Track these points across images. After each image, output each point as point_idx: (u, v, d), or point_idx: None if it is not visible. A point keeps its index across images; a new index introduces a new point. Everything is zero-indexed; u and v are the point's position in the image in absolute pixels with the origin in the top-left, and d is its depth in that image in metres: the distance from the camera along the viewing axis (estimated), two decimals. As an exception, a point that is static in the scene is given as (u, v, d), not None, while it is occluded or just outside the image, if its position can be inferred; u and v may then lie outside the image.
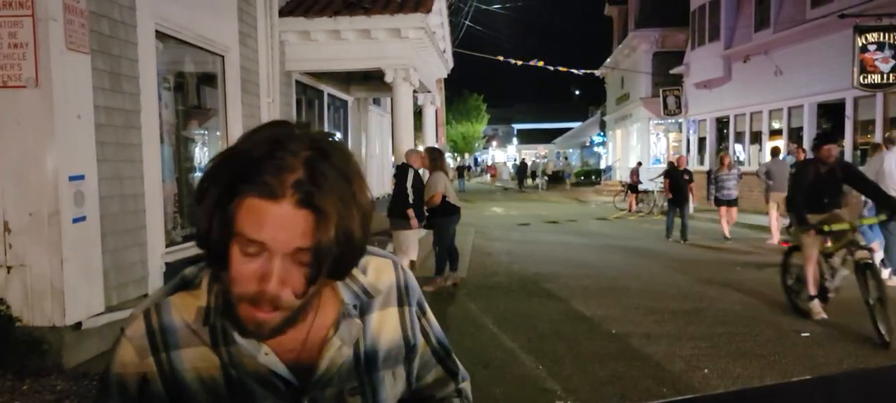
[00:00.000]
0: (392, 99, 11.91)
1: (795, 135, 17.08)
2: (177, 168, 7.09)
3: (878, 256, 9.05)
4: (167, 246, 6.37)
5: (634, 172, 21.43)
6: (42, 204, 4.83)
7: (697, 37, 22.15)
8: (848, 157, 15.12)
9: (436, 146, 11.44)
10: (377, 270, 1.16)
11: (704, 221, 15.93)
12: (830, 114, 16.34)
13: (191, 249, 6.79)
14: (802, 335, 5.94)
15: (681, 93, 24.89)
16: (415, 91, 10.89)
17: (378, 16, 9.28)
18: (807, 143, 15.27)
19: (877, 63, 13.64)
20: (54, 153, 4.81)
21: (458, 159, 52.33)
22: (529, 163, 46.44)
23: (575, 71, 27.32)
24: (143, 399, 1.03)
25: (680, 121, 25.90)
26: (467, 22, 21.82)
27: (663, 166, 21.64)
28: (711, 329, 6.17)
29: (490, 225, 16.70)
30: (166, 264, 6.21)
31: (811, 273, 6.45)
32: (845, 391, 1.12)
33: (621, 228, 15.99)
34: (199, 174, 7.85)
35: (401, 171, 8.16)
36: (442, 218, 8.20)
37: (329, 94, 12.09)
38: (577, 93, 67.35)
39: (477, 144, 57.70)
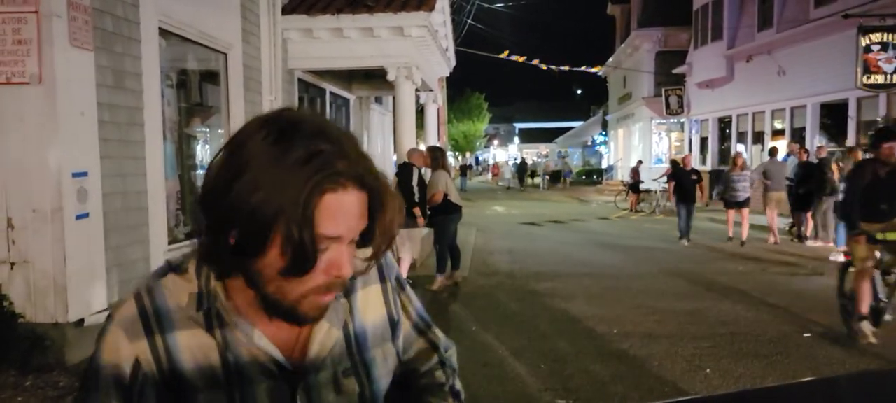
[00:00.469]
0: (394, 97, 11.92)
1: (798, 136, 17.06)
2: (179, 165, 7.10)
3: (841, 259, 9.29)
4: (170, 243, 6.37)
5: (635, 171, 21.41)
6: (45, 200, 4.84)
7: (700, 36, 22.14)
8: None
9: (437, 145, 11.43)
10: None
11: (705, 221, 15.92)
12: (833, 114, 16.33)
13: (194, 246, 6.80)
14: (805, 335, 5.93)
15: (683, 92, 24.89)
16: (417, 89, 10.88)
17: (381, 14, 9.28)
18: (809, 144, 15.29)
19: (880, 63, 13.62)
20: (58, 150, 4.82)
21: (460, 158, 52.32)
22: (529, 163, 46.44)
23: (579, 69, 27.28)
24: (137, 384, 1.01)
25: (682, 120, 25.90)
26: (469, 20, 21.80)
27: (665, 166, 21.66)
28: (713, 329, 6.17)
29: (491, 224, 16.70)
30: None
31: (863, 289, 5.58)
32: (847, 393, 1.12)
33: (623, 228, 15.98)
34: (201, 171, 7.85)
35: (404, 170, 8.16)
36: (443, 216, 8.20)
37: (331, 93, 12.10)
38: (579, 92, 67.45)
39: (478, 143, 57.68)
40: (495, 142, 68.45)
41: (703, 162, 22.85)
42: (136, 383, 1.01)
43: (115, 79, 5.52)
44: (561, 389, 4.62)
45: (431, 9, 9.48)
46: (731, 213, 12.15)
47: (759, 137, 19.47)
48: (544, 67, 23.33)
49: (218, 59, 7.80)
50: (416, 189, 7.93)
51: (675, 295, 7.68)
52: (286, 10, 9.28)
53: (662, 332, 6.08)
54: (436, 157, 8.42)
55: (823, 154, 11.44)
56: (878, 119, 14.35)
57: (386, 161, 16.32)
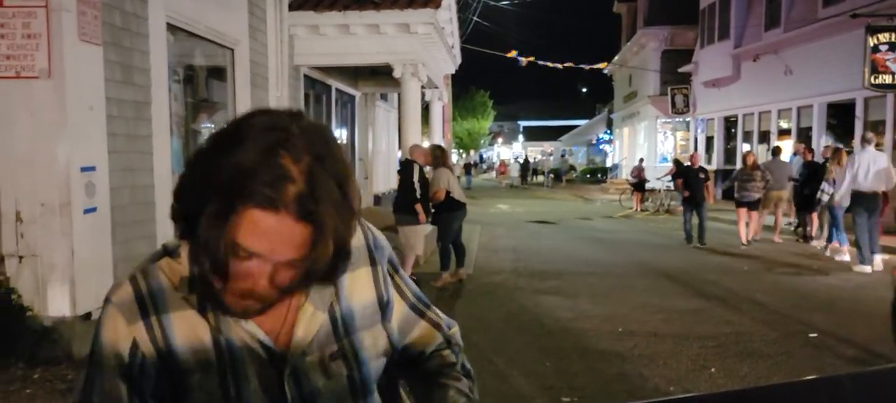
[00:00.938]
0: (399, 94, 11.93)
1: (804, 136, 17.01)
2: (185, 160, 7.12)
3: (846, 257, 9.78)
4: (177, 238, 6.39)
5: (638, 169, 21.35)
6: (54, 194, 4.86)
7: (707, 35, 22.07)
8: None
9: (440, 143, 11.45)
10: None
11: (712, 221, 15.90)
12: (840, 114, 16.27)
13: (199, 241, 6.82)
14: (810, 335, 5.93)
15: (689, 91, 24.83)
16: (423, 86, 10.89)
17: (387, 11, 9.29)
18: (816, 144, 15.25)
19: (888, 63, 13.56)
20: (66, 144, 4.84)
21: (464, 156, 52.31)
22: (532, 161, 46.46)
23: (584, 67, 27.26)
24: (136, 364, 1.03)
25: (688, 119, 25.84)
26: (475, 18, 21.79)
27: (670, 165, 21.62)
28: (718, 328, 6.17)
29: (496, 222, 16.70)
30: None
31: None
32: (851, 391, 1.12)
33: (627, 226, 15.97)
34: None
35: (406, 167, 8.18)
36: (446, 213, 8.21)
37: (337, 89, 12.12)
38: (585, 90, 67.28)
39: (482, 141, 57.67)
40: (499, 139, 68.40)
41: (709, 161, 22.79)
42: (134, 363, 1.04)
43: (123, 74, 5.54)
44: (566, 387, 4.62)
45: (438, 6, 9.49)
46: (743, 213, 11.65)
47: (765, 137, 19.41)
48: (550, 65, 23.32)
49: (225, 54, 7.81)
50: (417, 185, 7.94)
51: (679, 295, 7.68)
52: (293, 7, 9.30)
53: (667, 331, 6.08)
54: (436, 156, 8.42)
55: (829, 154, 11.46)
56: (886, 119, 14.32)
57: (390, 158, 16.35)
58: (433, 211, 8.25)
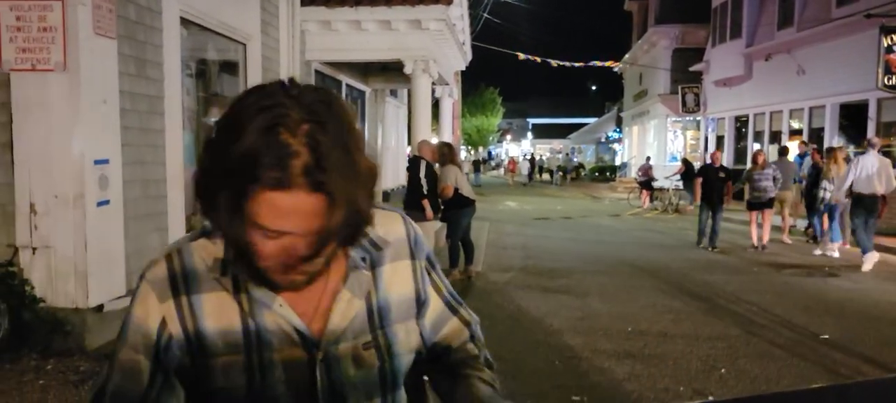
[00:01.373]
0: (409, 90, 11.93)
1: (816, 136, 16.91)
2: (198, 154, 7.15)
3: (836, 254, 10.19)
4: (187, 231, 6.43)
5: (646, 168, 21.26)
6: (67, 186, 4.89)
7: (718, 34, 21.96)
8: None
9: (447, 140, 11.44)
10: (385, 222, 1.16)
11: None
12: (853, 115, 16.15)
13: (210, 235, 6.84)
14: (821, 337, 5.90)
15: (700, 90, 24.72)
16: (433, 83, 10.88)
17: (399, 7, 9.28)
18: (828, 144, 15.15)
19: (902, 64, 13.45)
20: (80, 137, 4.87)
21: (473, 153, 52.26)
22: (538, 159, 46.43)
23: (594, 65, 27.17)
24: (162, 343, 1.04)
25: (698, 118, 25.72)
26: (486, 15, 21.75)
27: (679, 164, 21.54)
28: (728, 329, 6.14)
29: (504, 219, 16.69)
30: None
31: None
32: (857, 400, 1.12)
33: (636, 225, 15.93)
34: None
35: (413, 163, 8.20)
36: (455, 210, 8.21)
37: (347, 85, 12.13)
38: (594, 88, 67.00)
39: (491, 138, 57.59)
40: (508, 136, 68.31)
41: (719, 161, 22.68)
42: (161, 341, 1.04)
43: (136, 68, 5.57)
44: (575, 387, 4.62)
45: (450, 2, 9.48)
46: (754, 215, 11.29)
47: (776, 137, 19.30)
48: (554, 64, 23.25)
49: (237, 49, 7.84)
50: (424, 181, 7.94)
51: (689, 295, 7.65)
52: (305, 2, 9.30)
53: (677, 331, 6.06)
54: (444, 153, 8.42)
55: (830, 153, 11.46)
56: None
57: (400, 154, 16.35)
58: (442, 207, 8.25)
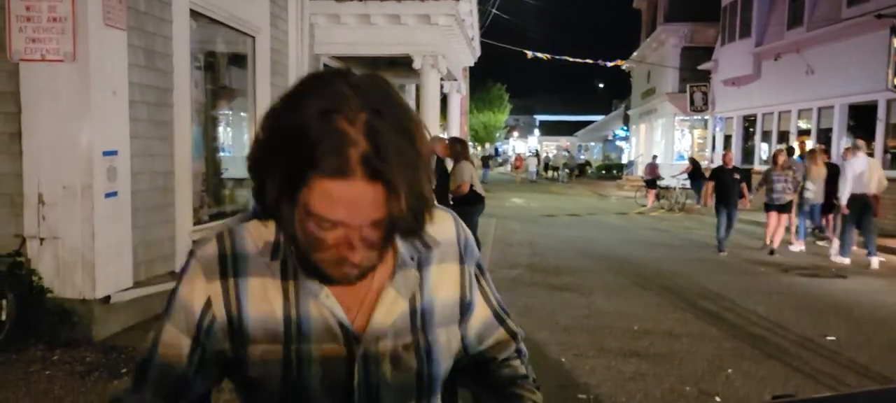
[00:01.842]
0: (418, 86, 11.90)
1: (824, 137, 16.81)
2: (205, 147, 7.15)
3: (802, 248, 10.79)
4: (195, 224, 6.43)
5: (652, 167, 21.15)
6: (76, 177, 4.90)
7: (728, 33, 21.83)
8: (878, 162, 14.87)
9: (459, 136, 11.42)
10: (437, 221, 1.11)
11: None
12: (861, 116, 16.05)
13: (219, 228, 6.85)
14: (828, 338, 5.87)
15: (708, 89, 24.60)
16: (442, 78, 10.86)
17: (408, 1, 9.27)
18: (836, 145, 15.07)
19: (912, 65, 13.35)
20: (89, 128, 4.87)
21: (481, 149, 52.20)
22: (542, 156, 46.40)
23: (602, 62, 27.10)
24: (204, 323, 1.04)
25: (706, 118, 25.61)
26: (494, 10, 21.69)
27: (686, 163, 21.47)
28: (734, 329, 6.12)
29: (511, 216, 16.67)
30: (194, 243, 6.25)
31: None
32: None
33: (642, 224, 15.89)
34: (226, 154, 7.91)
35: None
36: (467, 207, 8.19)
37: (355, 79, 12.11)
38: (601, 85, 66.80)
39: (498, 134, 57.51)
40: (515, 133, 68.21)
41: (726, 160, 22.58)
42: (203, 322, 1.04)
43: (146, 60, 5.57)
44: (582, 384, 4.61)
45: (459, -3, 9.45)
46: (773, 216, 10.81)
47: (784, 137, 19.18)
48: (569, 59, 23.19)
49: (246, 42, 7.83)
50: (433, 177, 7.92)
51: (695, 294, 7.62)
52: (314, -5, 9.30)
53: (683, 331, 6.04)
54: (457, 150, 8.40)
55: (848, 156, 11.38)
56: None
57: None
58: (452, 203, 8.24)
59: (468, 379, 1.25)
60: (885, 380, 4.91)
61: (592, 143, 56.95)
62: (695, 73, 25.43)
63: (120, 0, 5.06)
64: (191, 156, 6.35)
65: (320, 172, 0.86)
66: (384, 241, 0.96)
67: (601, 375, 4.82)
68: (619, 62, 30.46)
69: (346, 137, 0.85)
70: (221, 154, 7.76)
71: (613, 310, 6.76)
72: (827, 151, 12.50)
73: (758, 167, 19.29)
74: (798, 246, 11.18)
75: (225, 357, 1.06)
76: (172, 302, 1.06)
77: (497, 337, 1.25)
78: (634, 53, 33.49)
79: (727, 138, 23.12)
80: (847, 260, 9.82)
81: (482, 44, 16.64)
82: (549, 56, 22.33)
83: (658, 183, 20.60)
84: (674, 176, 20.61)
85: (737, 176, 11.13)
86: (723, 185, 11.04)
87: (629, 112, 39.82)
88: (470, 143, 39.72)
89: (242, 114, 8.13)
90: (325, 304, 1.03)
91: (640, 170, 31.66)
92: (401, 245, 1.07)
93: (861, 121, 16.03)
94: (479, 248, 8.34)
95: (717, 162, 14.93)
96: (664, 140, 29.82)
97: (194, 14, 6.41)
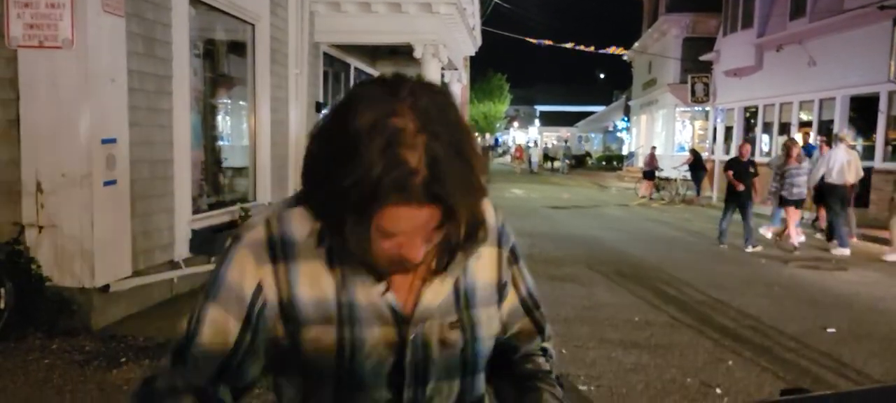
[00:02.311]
0: (418, 75, 11.83)
1: (825, 128, 16.77)
2: (204, 135, 7.12)
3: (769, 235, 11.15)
4: (194, 213, 6.41)
5: (650, 157, 21.06)
6: (74, 165, 4.87)
7: (729, 23, 21.75)
8: (879, 154, 14.85)
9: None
10: None
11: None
12: (863, 108, 16.01)
13: (217, 217, 6.84)
14: (828, 331, 5.86)
15: (710, 80, 24.52)
16: (442, 68, 10.81)
17: (409, -10, 9.20)
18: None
19: (915, 57, 13.30)
20: (88, 115, 4.84)
21: (481, 139, 52.15)
22: (541, 147, 46.34)
23: (604, 52, 27.02)
24: (256, 307, 1.05)
25: (707, 109, 25.55)
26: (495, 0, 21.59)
27: (686, 154, 21.43)
28: (735, 321, 6.11)
29: (511, 207, 16.66)
30: (193, 231, 6.25)
31: None
32: None
33: (642, 215, 15.88)
34: (224, 142, 7.88)
35: None
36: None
37: (355, 68, 12.06)
38: (602, 76, 66.68)
39: (498, 125, 57.43)
40: (516, 123, 68.10)
41: (727, 151, 22.56)
42: (255, 305, 1.05)
43: (145, 47, 5.53)
44: (584, 375, 4.60)
45: (460, -14, 9.39)
46: (792, 211, 10.40)
47: (785, 128, 19.15)
48: (570, 47, 23.10)
49: (245, 30, 7.78)
50: None
51: (696, 286, 7.61)
52: (314, -17, 9.23)
53: (684, 322, 6.04)
54: None
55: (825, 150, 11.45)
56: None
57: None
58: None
59: (489, 370, 1.25)
60: (884, 374, 4.90)
61: (593, 134, 56.89)
62: (696, 64, 25.35)
63: (118, -14, 5.01)
64: (190, 144, 6.31)
65: (387, 203, 0.90)
66: (444, 257, 1.07)
67: (602, 366, 4.81)
68: (620, 50, 30.32)
69: (408, 167, 0.89)
70: (220, 143, 7.73)
71: (615, 301, 6.75)
72: (828, 143, 12.44)
73: (759, 159, 19.26)
74: (799, 237, 11.10)
75: (277, 343, 1.07)
76: (218, 286, 1.06)
77: (522, 326, 1.27)
78: (636, 43, 33.40)
79: (728, 129, 23.08)
80: (847, 252, 9.91)
81: (483, 33, 16.59)
82: (550, 42, 22.24)
83: (657, 174, 20.55)
84: (675, 167, 20.58)
85: (752, 169, 10.78)
86: (738, 178, 10.68)
87: (630, 103, 39.77)
88: (470, 133, 39.77)
89: (242, 102, 8.08)
90: (375, 288, 1.06)
91: (640, 162, 31.65)
92: None
93: (863, 112, 16.00)
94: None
95: (712, 153, 14.90)
96: (665, 131, 29.78)
97: (194, 1, 6.36)
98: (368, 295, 1.06)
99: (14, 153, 4.92)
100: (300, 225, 1.06)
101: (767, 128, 20.43)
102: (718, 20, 23.56)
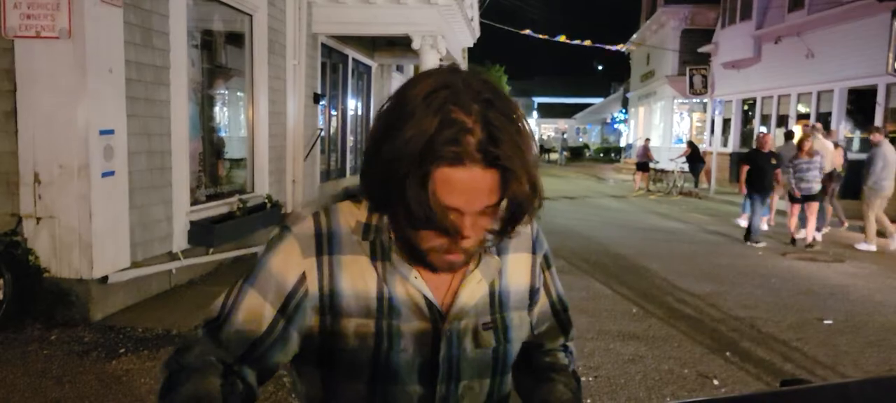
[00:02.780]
0: (416, 66, 11.82)
1: (823, 120, 16.76)
2: (202, 126, 7.10)
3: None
4: (192, 204, 6.40)
5: (645, 149, 21.02)
6: (72, 156, 4.86)
7: (728, 15, 21.73)
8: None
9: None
10: None
11: (722, 204, 15.80)
12: (861, 100, 16.02)
13: (216, 209, 6.83)
14: (825, 322, 5.88)
15: (708, 72, 24.50)
16: (441, 59, 10.78)
17: (407, -20, 9.16)
18: (835, 129, 15.04)
19: (913, 49, 13.30)
20: (86, 106, 4.82)
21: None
22: (539, 138, 46.30)
23: (601, 45, 26.97)
24: (296, 296, 1.08)
25: (705, 101, 25.53)
26: (494, -9, 21.53)
27: (684, 146, 21.41)
28: (732, 312, 6.13)
29: (509, 197, 16.62)
30: (191, 223, 6.24)
31: None
32: (858, 398, 1.11)
33: (640, 207, 15.89)
34: (223, 133, 7.86)
35: None
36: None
37: (353, 59, 12.02)
38: (600, 68, 66.55)
39: (496, 116, 57.29)
40: (513, 115, 67.88)
41: (725, 143, 22.59)
42: (295, 294, 1.08)
43: (142, 37, 5.50)
44: (582, 366, 4.61)
45: (458, -23, 9.35)
46: (796, 208, 10.07)
47: (783, 120, 19.17)
48: (563, 39, 23.06)
49: (243, 20, 7.75)
50: None
51: (694, 277, 7.63)
52: (312, -26, 9.19)
53: (682, 313, 6.05)
54: None
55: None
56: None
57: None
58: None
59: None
60: (880, 364, 4.93)
61: (591, 126, 56.83)
62: (695, 56, 25.32)
63: (116, -24, 4.99)
64: (188, 135, 6.30)
65: (442, 161, 0.92)
66: (508, 225, 1.04)
67: (600, 357, 4.83)
68: (620, 46, 30.29)
69: (463, 125, 0.92)
70: (218, 134, 7.71)
71: (612, 293, 6.76)
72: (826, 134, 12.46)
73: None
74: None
75: (311, 335, 1.10)
76: (259, 272, 1.09)
77: (548, 326, 1.31)
78: (634, 35, 33.34)
79: (726, 121, 23.10)
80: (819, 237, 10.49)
81: (481, 24, 16.53)
82: (547, 35, 22.20)
83: (651, 165, 20.51)
84: (672, 159, 20.57)
85: (774, 161, 10.36)
86: (758, 170, 10.27)
87: (628, 95, 39.75)
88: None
89: (239, 93, 8.06)
90: (415, 284, 1.09)
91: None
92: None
93: (860, 105, 16.00)
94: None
95: (710, 145, 14.86)
96: (663, 123, 29.77)
97: (191, -8, 6.33)
98: (407, 289, 1.09)
99: (11, 144, 4.90)
100: (346, 219, 1.11)
101: (765, 120, 20.44)
102: (717, 12, 23.54)
